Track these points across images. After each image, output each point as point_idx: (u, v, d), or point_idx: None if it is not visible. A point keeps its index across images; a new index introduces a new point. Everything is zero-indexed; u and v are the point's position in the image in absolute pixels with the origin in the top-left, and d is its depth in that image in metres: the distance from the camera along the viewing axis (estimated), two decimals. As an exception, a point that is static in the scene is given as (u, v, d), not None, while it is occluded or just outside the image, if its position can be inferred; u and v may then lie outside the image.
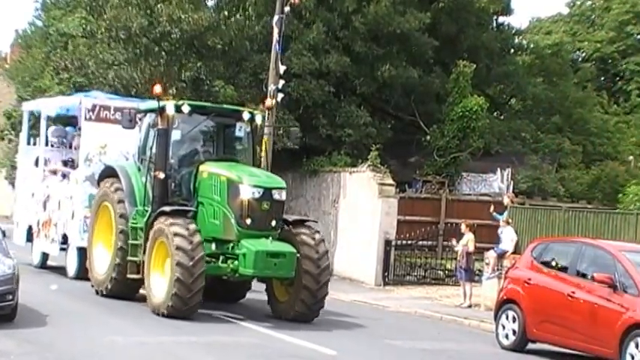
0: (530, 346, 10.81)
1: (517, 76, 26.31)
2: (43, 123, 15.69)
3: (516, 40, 28.47)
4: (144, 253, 11.15)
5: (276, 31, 15.75)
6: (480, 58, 24.18)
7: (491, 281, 14.71)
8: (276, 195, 10.91)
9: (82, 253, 13.42)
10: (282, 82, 16.24)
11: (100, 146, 13.90)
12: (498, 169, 22.46)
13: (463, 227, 15.24)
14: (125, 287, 11.74)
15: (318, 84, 20.03)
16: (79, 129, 14.85)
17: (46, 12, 29.10)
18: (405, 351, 10.07)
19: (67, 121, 16.25)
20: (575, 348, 10.36)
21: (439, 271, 18.35)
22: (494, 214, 16.21)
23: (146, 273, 11.02)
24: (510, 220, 15.51)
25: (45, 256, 15.32)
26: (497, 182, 22.18)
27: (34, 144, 16.38)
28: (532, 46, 29.12)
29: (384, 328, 11.67)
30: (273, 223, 10.88)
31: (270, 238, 10.73)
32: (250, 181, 10.82)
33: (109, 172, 12.34)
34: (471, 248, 14.93)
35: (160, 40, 18.91)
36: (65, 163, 15.09)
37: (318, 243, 11.08)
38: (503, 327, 10.89)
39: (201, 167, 11.39)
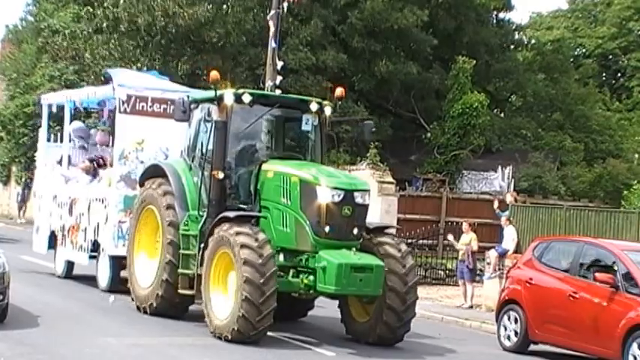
0: (533, 347, 10.64)
1: (517, 73, 26.19)
2: (67, 117, 14.11)
3: (517, 36, 28.37)
4: (201, 264, 9.58)
5: (272, 26, 15.51)
6: (480, 54, 24.08)
7: (493, 281, 14.56)
8: (358, 198, 9.36)
9: (116, 262, 12.16)
10: (279, 78, 16.03)
11: (137, 142, 12.26)
12: (499, 167, 22.30)
13: (465, 226, 15.09)
14: (174, 305, 10.29)
15: (316, 79, 19.88)
16: (105, 123, 13.79)
17: (37, 6, 28.84)
18: (405, 352, 9.90)
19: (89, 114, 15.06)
20: (577, 349, 10.21)
21: (440, 271, 18.18)
22: (498, 211, 16.04)
23: (204, 289, 9.48)
24: (512, 219, 15.36)
25: (70, 265, 13.73)
26: (499, 180, 22.04)
27: (55, 141, 14.81)
28: (532, 42, 29.02)
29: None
30: (355, 231, 9.37)
31: (354, 249, 9.28)
32: (329, 182, 9.28)
33: (153, 172, 10.79)
34: (475, 247, 14.78)
35: (158, 35, 18.69)
36: (92, 162, 13.59)
37: (405, 255, 9.61)
38: (505, 328, 10.74)
39: (265, 166, 9.84)
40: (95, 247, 12.74)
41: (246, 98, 9.93)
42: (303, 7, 19.51)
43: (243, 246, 8.93)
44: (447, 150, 21.81)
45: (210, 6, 19.32)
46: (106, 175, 12.81)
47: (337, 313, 10.47)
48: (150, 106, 12.42)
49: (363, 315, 9.91)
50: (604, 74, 34.25)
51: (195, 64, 18.88)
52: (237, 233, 9.03)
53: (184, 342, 9.17)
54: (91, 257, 12.87)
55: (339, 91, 10.54)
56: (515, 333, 10.57)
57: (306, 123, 10.26)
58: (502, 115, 27.72)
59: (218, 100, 9.91)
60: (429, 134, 22.29)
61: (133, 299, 10.83)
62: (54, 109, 14.84)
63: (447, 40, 23.38)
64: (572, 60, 30.70)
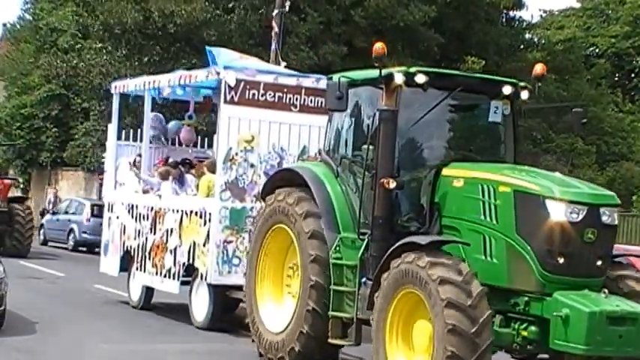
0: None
1: (528, 73, 25.80)
2: (147, 110, 11.56)
3: (527, 36, 28.02)
4: (369, 307, 7.08)
5: (275, 26, 15.30)
6: (489, 54, 23.78)
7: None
8: (605, 217, 6.69)
9: (218, 293, 9.77)
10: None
11: (245, 140, 9.73)
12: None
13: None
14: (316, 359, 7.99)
15: (318, 80, 19.68)
16: (191, 117, 11.90)
17: (35, 4, 28.81)
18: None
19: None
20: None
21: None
22: None
23: (377, 342, 6.92)
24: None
25: (149, 293, 11.23)
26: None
27: (127, 139, 12.19)
28: (543, 41, 28.66)
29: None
30: (599, 262, 6.71)
31: (605, 290, 6.59)
32: (564, 194, 6.62)
33: (283, 179, 8.42)
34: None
35: (155, 36, 18.52)
36: (176, 166, 11.17)
37: None
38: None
39: (447, 171, 7.30)
40: (189, 272, 10.20)
41: (420, 79, 7.42)
42: (305, 4, 19.14)
43: (443, 281, 6.39)
44: (456, 152, 21.48)
45: (207, 3, 18.91)
46: (204, 181, 10.28)
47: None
48: (262, 95, 9.84)
49: None
50: (617, 75, 33.82)
51: (193, 66, 18.75)
52: (432, 264, 6.48)
53: (181, 349, 8.98)
54: (183, 284, 10.34)
55: (540, 67, 7.83)
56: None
57: (495, 112, 7.82)
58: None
59: (385, 82, 7.43)
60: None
61: (253, 341, 8.53)
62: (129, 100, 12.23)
63: (456, 40, 23.11)
64: (584, 60, 30.31)
